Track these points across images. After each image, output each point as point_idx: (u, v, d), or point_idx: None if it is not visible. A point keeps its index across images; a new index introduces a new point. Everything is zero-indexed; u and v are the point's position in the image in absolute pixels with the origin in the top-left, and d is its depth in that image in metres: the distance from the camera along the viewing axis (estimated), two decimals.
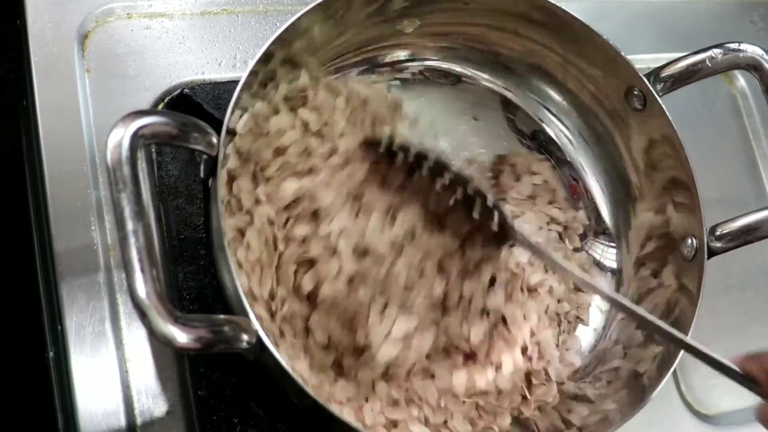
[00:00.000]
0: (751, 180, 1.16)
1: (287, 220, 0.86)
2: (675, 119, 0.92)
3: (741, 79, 1.21)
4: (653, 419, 0.97)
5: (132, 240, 0.66)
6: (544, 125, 1.04)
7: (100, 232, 0.86)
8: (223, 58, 0.97)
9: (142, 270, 0.65)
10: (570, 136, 1.03)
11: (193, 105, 0.91)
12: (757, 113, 1.20)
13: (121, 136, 0.68)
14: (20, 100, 0.91)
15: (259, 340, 0.71)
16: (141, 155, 0.69)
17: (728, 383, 1.02)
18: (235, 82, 0.79)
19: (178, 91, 0.93)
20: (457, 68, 1.03)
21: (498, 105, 1.04)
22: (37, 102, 0.88)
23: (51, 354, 0.84)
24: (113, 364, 0.83)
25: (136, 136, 0.68)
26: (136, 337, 0.84)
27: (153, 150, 0.91)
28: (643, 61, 0.96)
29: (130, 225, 0.66)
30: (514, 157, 1.02)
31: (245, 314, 0.72)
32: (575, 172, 1.04)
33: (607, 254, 1.02)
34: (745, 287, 1.11)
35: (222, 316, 0.71)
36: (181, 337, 0.66)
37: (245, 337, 0.70)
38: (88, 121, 0.89)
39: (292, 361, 0.81)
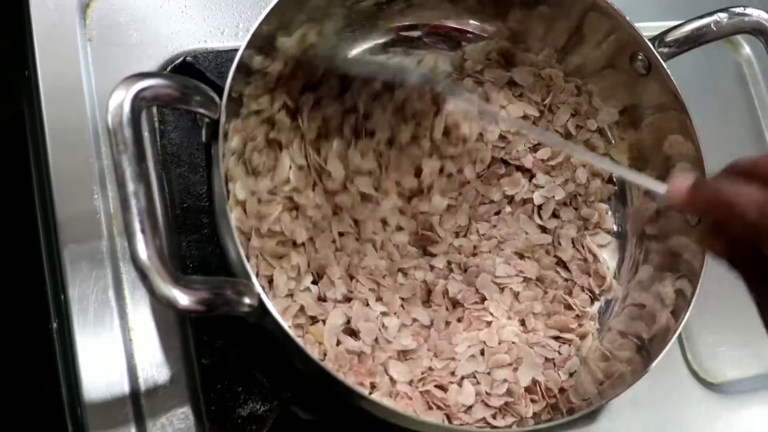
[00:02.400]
0: (757, 148, 1.15)
1: None
2: (679, 88, 0.91)
3: (746, 47, 1.20)
4: (659, 388, 0.97)
5: (133, 201, 0.66)
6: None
7: (102, 200, 0.86)
8: (225, 27, 0.97)
9: (143, 231, 0.65)
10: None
11: (196, 73, 0.91)
12: (763, 81, 1.19)
13: (122, 98, 0.67)
14: (22, 71, 0.91)
15: (261, 302, 0.71)
16: (143, 118, 0.69)
17: (734, 352, 1.03)
18: (237, 51, 0.79)
19: (181, 59, 0.93)
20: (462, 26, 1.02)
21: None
22: (39, 72, 0.88)
23: (54, 325, 0.84)
24: (117, 334, 0.83)
25: (137, 98, 0.68)
26: (139, 306, 0.84)
27: (155, 119, 0.91)
28: (648, 29, 0.95)
29: (131, 186, 0.66)
30: None
31: (247, 277, 0.72)
32: None
33: (607, 218, 1.01)
34: None
35: (224, 278, 0.71)
36: (182, 299, 0.66)
37: (247, 299, 0.70)
38: (90, 90, 0.89)
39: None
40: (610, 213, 1.00)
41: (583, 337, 0.93)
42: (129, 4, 0.94)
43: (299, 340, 0.73)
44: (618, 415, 0.94)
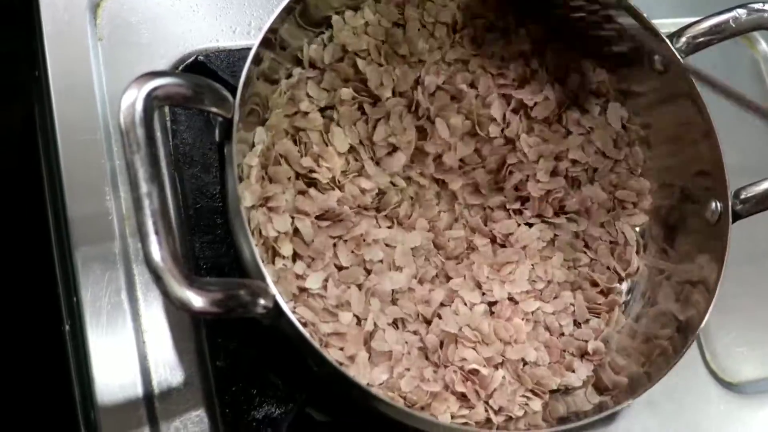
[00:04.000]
0: None
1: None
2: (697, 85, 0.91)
3: (763, 43, 1.20)
4: (677, 388, 0.96)
5: (146, 202, 0.65)
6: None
7: (114, 201, 0.86)
8: (237, 25, 0.96)
9: (157, 232, 0.64)
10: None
11: (208, 72, 0.90)
12: None
13: (134, 97, 0.67)
14: (33, 71, 0.90)
15: (276, 304, 0.70)
16: (156, 117, 0.68)
17: (753, 352, 1.02)
18: (250, 50, 0.79)
19: (193, 58, 0.92)
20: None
21: None
22: (49, 72, 0.88)
23: (67, 327, 0.83)
24: (130, 336, 0.82)
25: (150, 98, 0.67)
26: (152, 308, 0.84)
27: (167, 118, 0.90)
28: (664, 26, 0.94)
29: (144, 187, 0.65)
30: None
31: (262, 279, 0.71)
32: None
33: None
34: None
35: (238, 280, 0.71)
36: (197, 301, 0.65)
37: (262, 301, 0.70)
38: (101, 90, 0.89)
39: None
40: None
41: (610, 309, 0.94)
42: (140, 3, 0.94)
43: (314, 342, 0.72)
44: (635, 416, 0.94)
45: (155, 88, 0.68)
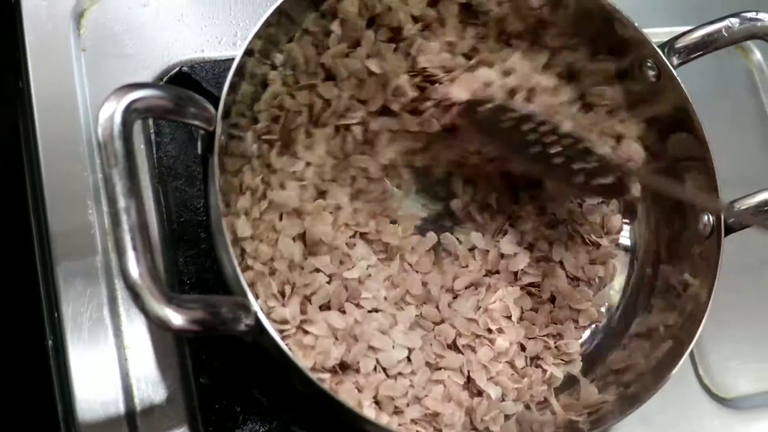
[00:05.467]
0: None
1: None
2: (690, 95, 0.90)
3: (757, 53, 1.19)
4: (670, 403, 0.94)
5: (124, 217, 0.63)
6: None
7: (97, 215, 0.84)
8: (223, 36, 0.95)
9: (135, 248, 0.63)
10: None
11: (192, 83, 0.89)
12: None
13: (113, 110, 0.65)
14: (16, 81, 0.89)
15: (258, 321, 0.69)
16: (137, 130, 0.67)
17: (747, 366, 1.01)
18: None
19: (177, 69, 0.91)
20: None
21: None
22: (32, 83, 0.87)
23: (50, 342, 0.82)
24: (112, 352, 0.81)
25: (128, 110, 0.66)
26: (134, 324, 0.83)
27: (151, 131, 0.89)
28: (657, 35, 0.93)
29: (122, 202, 0.64)
30: None
31: (244, 295, 0.70)
32: None
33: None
34: (765, 267, 1.08)
35: (219, 297, 0.70)
36: (176, 319, 0.64)
37: (244, 318, 0.68)
38: (84, 101, 0.88)
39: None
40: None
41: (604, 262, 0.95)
42: (124, 13, 0.93)
43: (297, 360, 0.71)
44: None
45: (135, 101, 0.66)
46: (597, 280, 0.95)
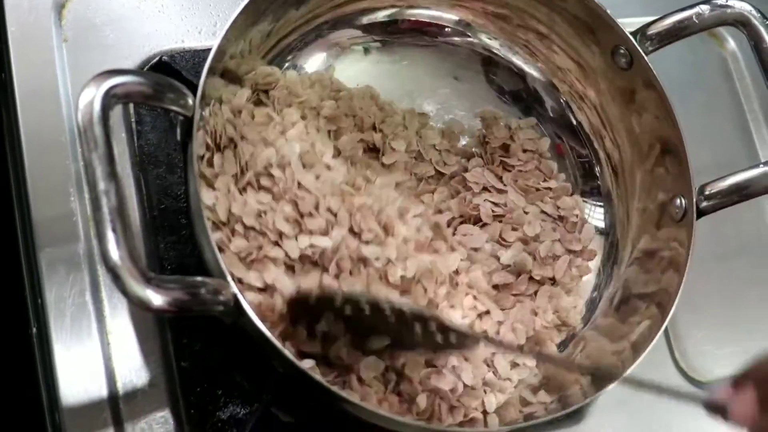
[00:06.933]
0: (743, 143, 1.15)
1: None
2: (664, 82, 0.91)
3: (731, 41, 1.20)
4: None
5: (104, 200, 0.65)
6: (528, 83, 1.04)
7: (79, 203, 0.85)
8: (202, 26, 0.96)
9: (114, 230, 0.64)
10: (559, 100, 1.03)
11: (172, 72, 0.90)
12: (748, 75, 1.18)
13: (92, 96, 0.67)
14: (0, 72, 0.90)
15: (237, 302, 0.70)
16: (118, 118, 0.68)
17: (722, 350, 1.02)
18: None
19: (157, 59, 0.92)
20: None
21: (479, 65, 1.03)
22: (13, 73, 0.88)
23: (34, 330, 0.83)
24: (94, 337, 0.82)
25: (108, 96, 0.67)
26: (117, 309, 0.83)
27: (132, 119, 0.90)
28: (631, 24, 0.94)
29: (101, 185, 0.65)
30: (497, 120, 1.00)
31: (223, 277, 0.70)
32: (559, 131, 1.03)
33: (594, 214, 1.01)
34: (740, 253, 1.09)
35: (198, 278, 0.70)
36: (155, 299, 0.65)
37: (222, 299, 0.69)
38: (66, 91, 0.89)
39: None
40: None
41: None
42: (105, 4, 0.93)
43: (276, 341, 0.71)
44: (604, 414, 0.93)
45: (114, 86, 0.68)
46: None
